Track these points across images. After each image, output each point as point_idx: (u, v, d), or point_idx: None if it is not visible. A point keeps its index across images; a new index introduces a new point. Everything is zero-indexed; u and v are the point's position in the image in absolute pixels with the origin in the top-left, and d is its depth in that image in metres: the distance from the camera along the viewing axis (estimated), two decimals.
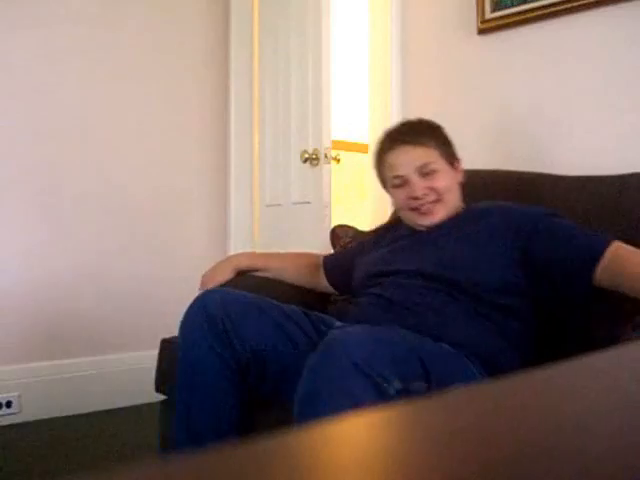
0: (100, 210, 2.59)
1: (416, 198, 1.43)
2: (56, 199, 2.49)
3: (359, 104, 3.41)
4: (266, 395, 1.37)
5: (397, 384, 1.02)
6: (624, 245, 1.26)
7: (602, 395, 0.33)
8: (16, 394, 2.34)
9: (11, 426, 2.27)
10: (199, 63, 2.90)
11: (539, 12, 1.88)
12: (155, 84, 2.74)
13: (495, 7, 2.00)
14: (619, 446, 0.25)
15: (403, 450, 0.26)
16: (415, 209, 1.45)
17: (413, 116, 2.27)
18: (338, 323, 1.40)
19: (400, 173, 1.44)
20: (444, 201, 1.44)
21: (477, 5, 2.04)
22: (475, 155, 2.03)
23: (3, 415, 2.30)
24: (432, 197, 1.43)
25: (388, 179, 1.48)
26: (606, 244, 1.26)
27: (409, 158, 1.43)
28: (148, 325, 2.57)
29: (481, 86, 2.07)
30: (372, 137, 2.83)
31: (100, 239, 2.59)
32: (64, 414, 2.40)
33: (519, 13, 1.93)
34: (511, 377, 0.34)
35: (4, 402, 2.31)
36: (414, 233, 1.49)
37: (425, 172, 1.42)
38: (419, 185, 1.42)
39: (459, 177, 1.51)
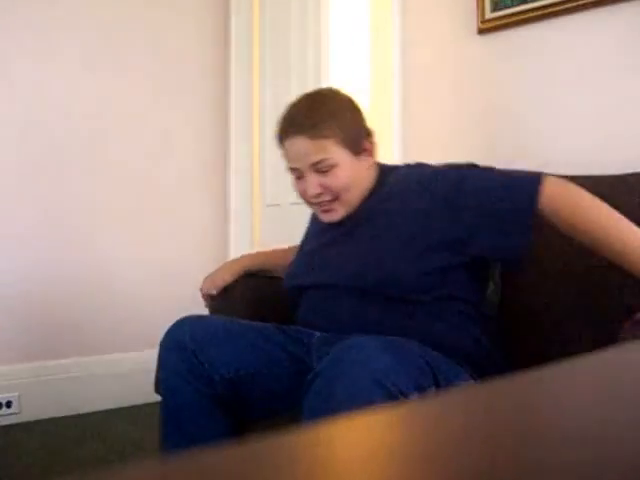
0: (100, 210, 2.59)
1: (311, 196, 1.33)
2: (57, 200, 2.49)
3: (359, 104, 3.41)
4: (260, 416, 1.35)
5: (414, 396, 1.01)
6: (554, 188, 1.18)
7: (602, 395, 0.33)
8: (16, 394, 2.34)
9: (11, 426, 2.27)
10: (199, 63, 2.89)
11: (539, 12, 1.88)
12: (155, 83, 2.74)
13: (495, 7, 2.00)
14: (619, 447, 0.25)
15: (404, 450, 0.26)
16: (314, 204, 1.36)
17: (414, 117, 2.29)
18: (318, 333, 1.34)
19: (295, 166, 1.33)
20: (342, 200, 1.32)
21: (477, 5, 2.04)
22: (474, 154, 2.03)
23: (3, 415, 2.30)
24: (328, 197, 1.32)
25: (287, 165, 1.37)
26: (536, 192, 1.17)
27: (304, 152, 1.29)
28: (148, 325, 2.57)
29: (481, 86, 2.07)
30: None
31: (100, 239, 2.59)
32: (64, 414, 2.40)
33: (519, 13, 1.93)
34: (511, 377, 0.34)
35: (4, 402, 2.31)
36: (332, 225, 1.38)
37: (321, 169, 1.29)
38: (314, 183, 1.30)
39: (369, 162, 1.36)
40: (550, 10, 1.85)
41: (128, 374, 2.55)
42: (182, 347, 1.29)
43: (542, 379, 0.35)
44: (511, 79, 1.99)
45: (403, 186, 1.32)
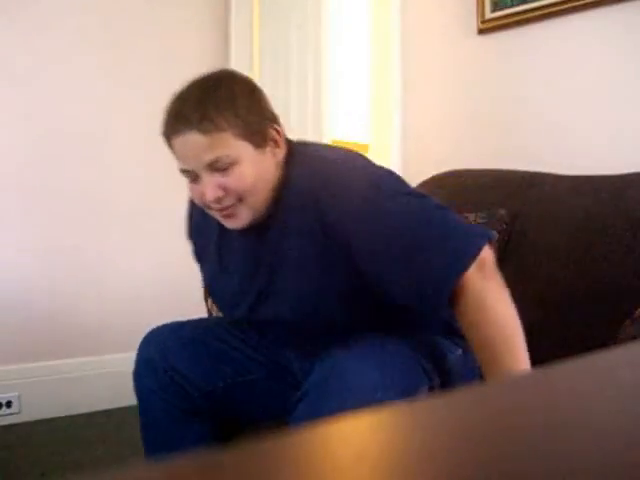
0: (101, 210, 2.59)
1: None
2: (57, 201, 2.49)
3: (359, 104, 3.41)
4: (249, 422, 1.33)
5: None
6: (472, 282, 1.01)
7: (602, 395, 0.33)
8: (16, 394, 2.34)
9: (11, 426, 2.27)
10: (199, 65, 2.89)
11: (539, 12, 1.88)
12: (154, 83, 2.74)
13: (495, 7, 2.00)
14: (619, 446, 0.25)
15: (403, 450, 0.26)
16: (215, 209, 1.13)
17: (414, 117, 2.29)
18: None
19: (187, 167, 1.10)
20: (246, 201, 1.09)
21: (477, 5, 2.04)
22: (474, 154, 2.03)
23: (3, 415, 2.30)
24: (230, 200, 1.09)
25: (178, 166, 1.14)
26: (453, 280, 1.00)
27: (196, 150, 1.07)
28: (148, 325, 2.56)
29: (481, 86, 2.07)
30: (372, 137, 2.83)
31: (100, 239, 2.59)
32: (64, 414, 2.40)
33: (519, 13, 1.93)
34: (511, 377, 0.34)
35: (4, 402, 2.31)
36: (239, 232, 1.18)
37: (219, 168, 1.07)
38: (212, 185, 1.07)
39: (277, 154, 1.13)
40: (550, 10, 1.86)
41: (128, 374, 2.54)
42: (153, 367, 1.29)
43: (542, 379, 0.35)
44: (511, 79, 1.99)
45: (307, 209, 1.09)
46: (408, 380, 1.04)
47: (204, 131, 1.05)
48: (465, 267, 1.01)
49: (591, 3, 1.76)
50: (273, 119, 1.14)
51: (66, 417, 2.38)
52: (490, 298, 1.02)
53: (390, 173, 1.13)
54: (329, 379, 0.99)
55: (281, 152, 1.14)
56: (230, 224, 1.13)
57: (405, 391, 1.01)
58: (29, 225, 2.44)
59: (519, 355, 1.01)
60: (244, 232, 1.17)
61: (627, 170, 1.49)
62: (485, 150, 2.03)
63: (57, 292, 2.47)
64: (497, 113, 2.03)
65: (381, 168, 1.14)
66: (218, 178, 1.07)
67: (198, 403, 1.27)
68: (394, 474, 0.23)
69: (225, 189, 1.08)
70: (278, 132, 1.13)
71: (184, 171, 1.12)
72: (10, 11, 2.38)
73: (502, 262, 1.56)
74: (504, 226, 1.58)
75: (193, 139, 1.06)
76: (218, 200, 1.09)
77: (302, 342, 1.23)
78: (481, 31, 2.04)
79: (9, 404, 2.32)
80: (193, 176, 1.10)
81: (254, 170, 1.09)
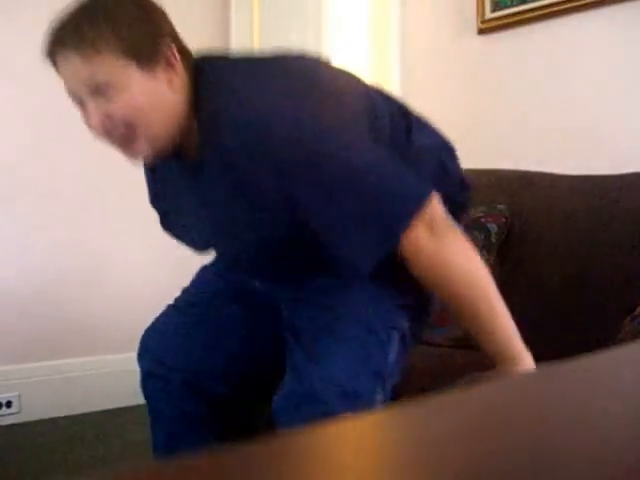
0: (101, 209, 2.59)
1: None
2: (58, 199, 2.49)
3: None
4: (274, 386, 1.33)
5: (379, 395, 0.98)
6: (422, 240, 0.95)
7: (602, 395, 0.33)
8: (16, 394, 2.34)
9: (11, 426, 2.27)
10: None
11: (539, 12, 1.88)
12: None
13: (495, 7, 2.00)
14: (619, 446, 0.25)
15: (401, 451, 0.26)
16: (110, 140, 1.02)
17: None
18: (257, 282, 1.24)
19: (71, 91, 1.00)
20: (140, 131, 0.98)
21: (477, 5, 2.04)
22: (474, 154, 2.03)
23: (3, 415, 2.29)
24: (119, 130, 0.98)
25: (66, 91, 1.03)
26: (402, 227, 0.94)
27: (75, 74, 0.96)
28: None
29: (481, 86, 2.07)
30: None
31: (101, 239, 2.59)
32: (64, 414, 2.39)
33: (519, 13, 1.93)
34: (511, 377, 0.34)
35: (4, 402, 2.31)
36: (167, 168, 1.12)
37: (102, 93, 0.96)
38: (94, 111, 0.97)
39: (171, 76, 0.99)
40: (550, 10, 1.86)
41: (128, 374, 2.54)
42: (156, 378, 1.29)
43: (542, 379, 0.35)
44: (511, 79, 1.99)
45: (231, 147, 0.97)
46: (377, 358, 1.01)
47: (81, 53, 0.95)
48: (400, 230, 0.94)
49: (591, 3, 1.76)
50: (170, 35, 1.01)
51: (66, 417, 2.38)
52: (448, 255, 0.96)
53: (331, 107, 1.00)
54: (301, 401, 0.97)
55: (178, 77, 1.00)
56: (130, 156, 1.04)
57: (377, 364, 1.00)
58: (28, 224, 2.43)
59: (496, 306, 0.98)
60: (171, 167, 1.10)
61: (628, 170, 1.49)
62: (485, 150, 2.03)
63: (57, 292, 2.47)
64: (497, 113, 2.03)
65: (328, 92, 1.03)
66: (102, 104, 0.96)
67: (215, 392, 1.24)
68: (392, 475, 0.23)
69: (109, 117, 0.97)
70: (170, 48, 0.99)
71: (71, 95, 1.01)
72: (10, 11, 2.38)
73: (501, 258, 1.57)
74: (503, 220, 1.58)
75: (71, 62, 0.96)
76: (107, 130, 0.98)
77: (267, 274, 1.20)
78: (481, 31, 2.04)
79: (9, 404, 2.32)
80: (79, 101, 1.00)
81: (143, 95, 0.97)
